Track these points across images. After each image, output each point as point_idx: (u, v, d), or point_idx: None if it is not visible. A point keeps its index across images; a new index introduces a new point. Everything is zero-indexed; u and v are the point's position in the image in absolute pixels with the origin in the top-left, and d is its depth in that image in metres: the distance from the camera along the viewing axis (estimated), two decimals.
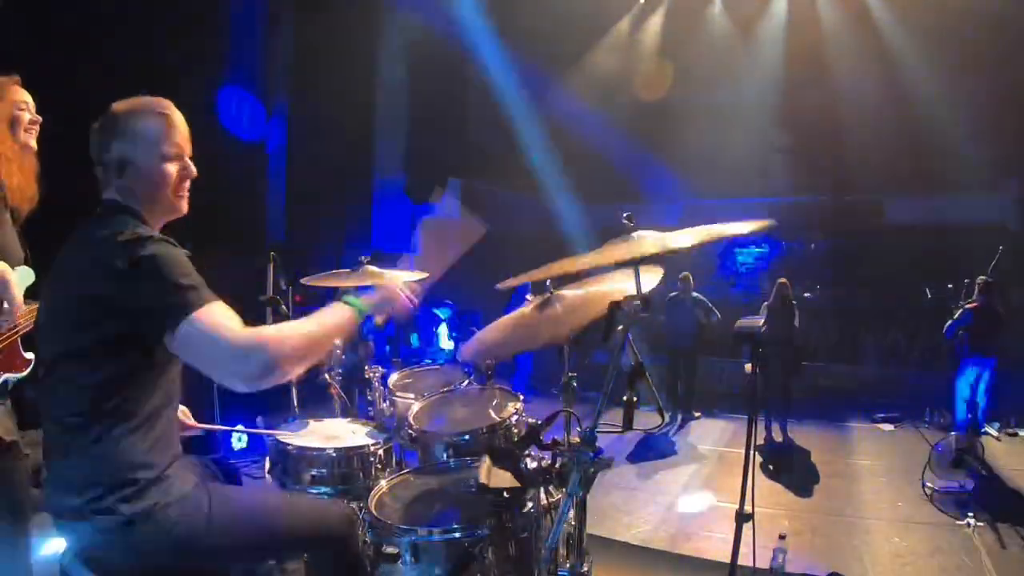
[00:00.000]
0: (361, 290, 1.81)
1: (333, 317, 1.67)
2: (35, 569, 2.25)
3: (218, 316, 1.48)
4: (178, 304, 1.45)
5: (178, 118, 1.71)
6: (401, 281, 1.87)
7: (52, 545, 2.33)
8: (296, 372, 1.57)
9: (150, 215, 1.67)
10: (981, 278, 6.52)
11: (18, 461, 2.17)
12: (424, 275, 1.98)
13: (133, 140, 1.64)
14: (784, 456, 6.61)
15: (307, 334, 1.57)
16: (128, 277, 1.45)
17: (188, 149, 1.73)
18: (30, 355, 2.27)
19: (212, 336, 1.45)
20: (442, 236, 1.98)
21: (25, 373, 2.26)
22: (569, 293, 2.23)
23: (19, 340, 2.25)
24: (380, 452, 2.54)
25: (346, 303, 1.71)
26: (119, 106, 1.67)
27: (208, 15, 6.65)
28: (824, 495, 5.59)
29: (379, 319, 1.79)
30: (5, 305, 2.11)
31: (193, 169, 1.73)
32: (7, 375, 2.21)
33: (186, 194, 1.74)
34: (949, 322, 6.54)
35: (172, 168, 1.68)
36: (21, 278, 2.18)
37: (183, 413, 2.19)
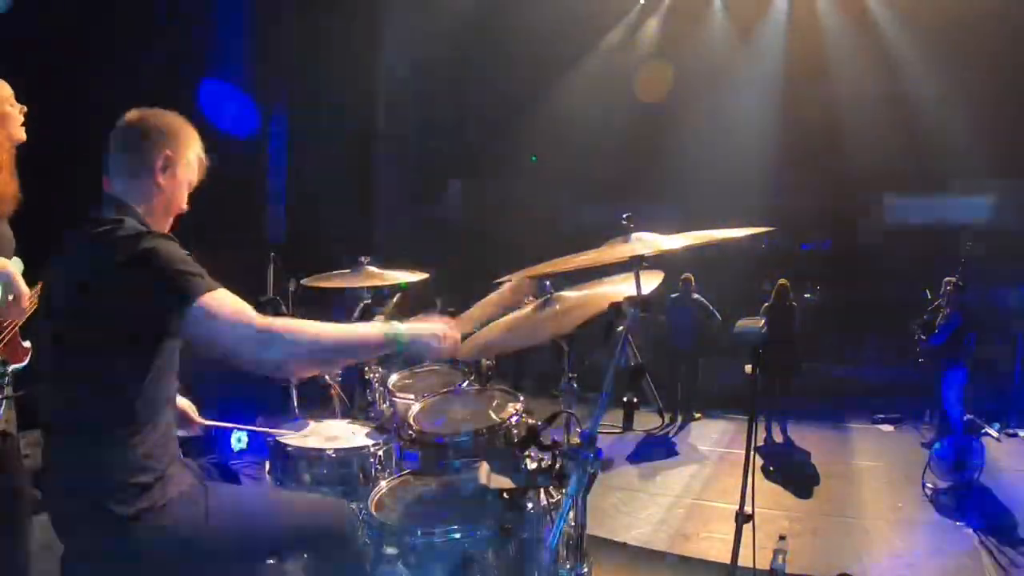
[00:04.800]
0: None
1: (365, 332, 1.65)
2: (35, 570, 2.25)
3: (230, 300, 1.51)
4: (187, 288, 1.46)
5: (202, 160, 1.79)
6: (450, 330, 1.76)
7: (51, 546, 2.33)
8: (306, 370, 1.57)
9: (147, 217, 1.66)
10: (950, 279, 6.35)
11: (15, 452, 2.17)
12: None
13: (179, 149, 1.70)
14: (784, 457, 6.61)
15: (326, 335, 1.56)
16: (130, 271, 1.46)
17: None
18: (27, 344, 2.28)
19: (226, 318, 1.47)
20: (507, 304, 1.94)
21: (25, 363, 2.26)
22: (568, 293, 2.23)
23: (18, 330, 2.26)
24: (380, 453, 2.54)
25: (390, 328, 1.65)
26: (175, 119, 1.73)
27: (195, 12, 6.64)
28: (824, 496, 5.59)
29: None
30: (11, 297, 2.11)
31: (184, 206, 1.79)
32: (11, 366, 2.22)
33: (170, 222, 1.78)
34: (936, 331, 6.33)
35: (183, 195, 1.75)
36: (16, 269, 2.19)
37: (188, 408, 2.20)
